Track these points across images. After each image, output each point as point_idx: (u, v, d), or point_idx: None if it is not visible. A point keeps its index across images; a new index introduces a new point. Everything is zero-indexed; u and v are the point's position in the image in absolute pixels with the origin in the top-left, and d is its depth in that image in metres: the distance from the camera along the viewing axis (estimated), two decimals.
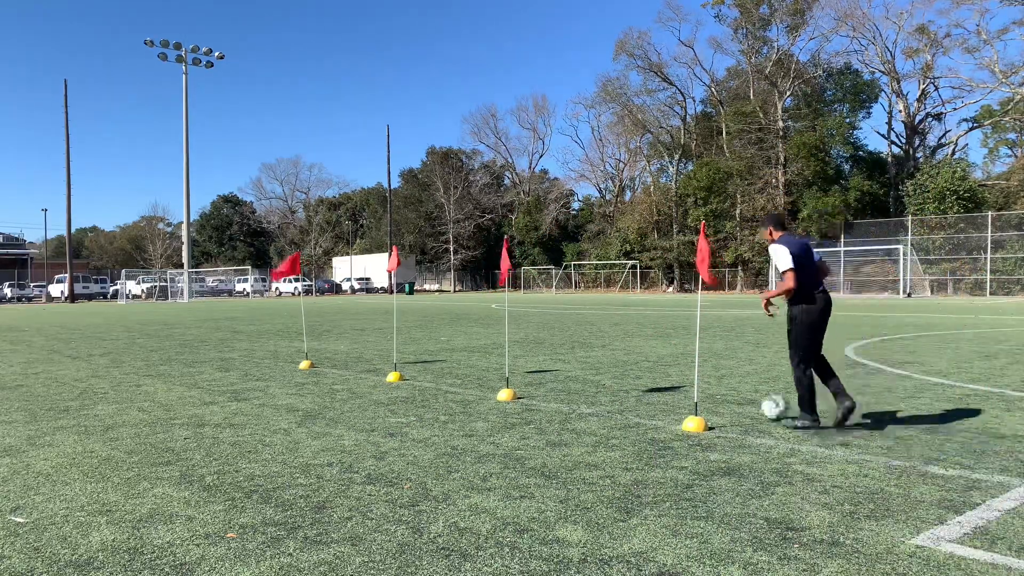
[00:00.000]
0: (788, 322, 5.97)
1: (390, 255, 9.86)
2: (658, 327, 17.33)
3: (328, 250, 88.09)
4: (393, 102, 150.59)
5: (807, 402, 5.87)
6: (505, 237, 8.82)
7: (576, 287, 65.12)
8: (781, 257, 5.77)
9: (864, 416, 6.37)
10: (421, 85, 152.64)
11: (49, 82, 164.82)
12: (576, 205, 76.06)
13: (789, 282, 5.76)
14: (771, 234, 6.08)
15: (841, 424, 5.88)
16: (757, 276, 52.82)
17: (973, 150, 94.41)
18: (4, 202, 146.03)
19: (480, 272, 77.11)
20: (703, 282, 6.08)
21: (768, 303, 6.08)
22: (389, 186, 71.03)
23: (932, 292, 42.96)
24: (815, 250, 6.15)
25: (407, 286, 62.08)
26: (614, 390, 7.94)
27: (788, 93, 53.13)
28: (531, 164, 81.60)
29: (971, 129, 52.87)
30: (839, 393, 5.88)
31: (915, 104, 51.61)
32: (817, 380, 6.00)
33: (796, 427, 5.90)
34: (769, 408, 6.16)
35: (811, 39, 53.79)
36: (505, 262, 8.26)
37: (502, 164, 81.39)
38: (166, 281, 59.92)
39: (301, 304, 28.82)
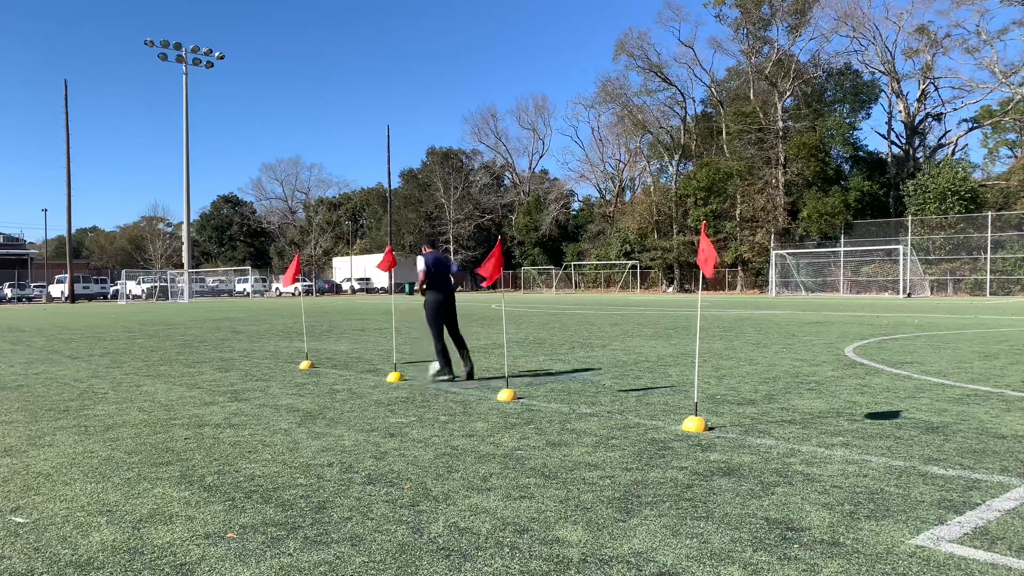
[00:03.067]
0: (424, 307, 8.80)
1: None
2: (658, 327, 17.33)
3: (328, 250, 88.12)
4: (393, 102, 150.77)
5: (443, 358, 8.67)
6: (500, 238, 8.75)
7: (576, 287, 65.11)
8: (418, 267, 8.58)
9: (864, 416, 6.38)
10: (421, 85, 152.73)
11: (49, 82, 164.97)
12: (576, 205, 76.11)
13: (419, 279, 8.63)
14: (424, 250, 8.82)
15: (470, 378, 8.73)
16: (757, 276, 52.82)
17: (973, 150, 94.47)
18: (4, 202, 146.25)
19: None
20: (703, 280, 6.11)
21: (418, 292, 8.75)
22: (389, 186, 71.07)
23: (932, 292, 42.95)
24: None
25: (407, 286, 62.06)
26: (614, 390, 7.94)
27: (788, 93, 53.11)
28: (531, 164, 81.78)
29: (971, 129, 52.93)
30: (465, 363, 8.80)
31: (915, 104, 51.65)
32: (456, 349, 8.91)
33: (437, 379, 8.62)
34: (432, 368, 8.68)
35: (811, 39, 53.89)
36: (491, 264, 7.25)
37: (502, 164, 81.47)
38: (166, 281, 59.95)
39: (301, 304, 28.85)
